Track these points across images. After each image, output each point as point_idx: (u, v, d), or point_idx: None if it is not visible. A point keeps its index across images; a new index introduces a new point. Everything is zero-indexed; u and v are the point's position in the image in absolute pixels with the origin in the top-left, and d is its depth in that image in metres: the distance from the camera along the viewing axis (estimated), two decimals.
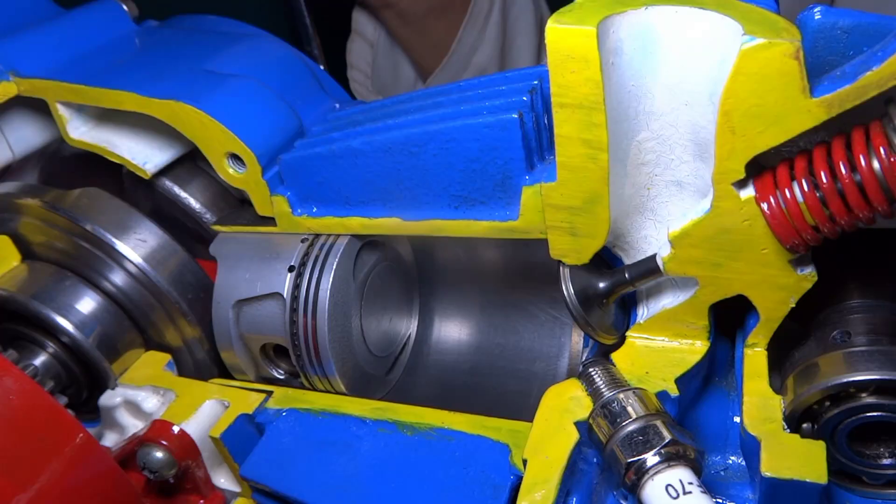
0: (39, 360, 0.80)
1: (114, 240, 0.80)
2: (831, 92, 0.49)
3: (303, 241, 0.78)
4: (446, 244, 0.91)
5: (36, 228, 0.82)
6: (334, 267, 0.75)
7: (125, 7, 0.97)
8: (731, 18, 0.51)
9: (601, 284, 0.66)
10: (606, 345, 0.69)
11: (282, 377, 0.82)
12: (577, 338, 0.85)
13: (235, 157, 0.77)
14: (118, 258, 0.80)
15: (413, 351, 0.91)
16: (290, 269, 0.76)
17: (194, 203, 0.89)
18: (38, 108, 0.88)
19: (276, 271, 0.77)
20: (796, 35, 0.49)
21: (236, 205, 0.91)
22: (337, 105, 0.89)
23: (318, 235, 0.78)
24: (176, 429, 0.72)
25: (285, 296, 0.75)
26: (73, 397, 0.83)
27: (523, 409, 0.69)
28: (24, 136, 0.91)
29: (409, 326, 0.91)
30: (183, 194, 0.88)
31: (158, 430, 0.72)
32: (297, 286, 0.75)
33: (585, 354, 0.76)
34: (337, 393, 0.78)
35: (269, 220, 0.80)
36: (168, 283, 0.80)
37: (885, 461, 0.58)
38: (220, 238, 0.83)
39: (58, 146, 0.96)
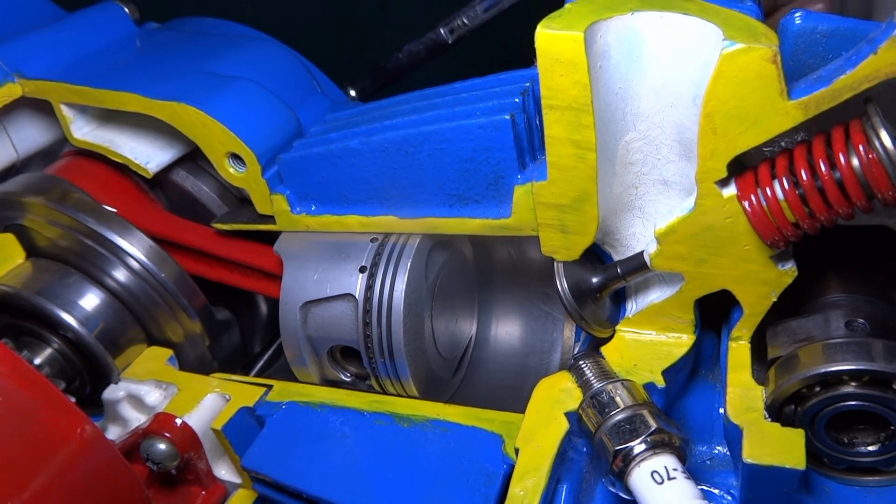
0: (44, 355, 0.82)
1: (117, 237, 0.81)
2: (808, 94, 0.52)
3: (372, 240, 0.76)
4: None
5: (40, 226, 0.84)
6: (409, 267, 0.73)
7: (126, 9, 0.99)
8: (713, 24, 0.54)
9: (594, 280, 0.68)
10: (600, 338, 0.71)
11: (348, 380, 0.80)
12: (569, 333, 0.87)
13: (236, 157, 0.79)
14: (121, 255, 0.82)
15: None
16: (362, 269, 0.74)
17: None
18: (42, 108, 0.90)
19: (347, 272, 0.75)
20: (774, 40, 0.51)
21: (236, 203, 0.93)
22: (334, 106, 0.91)
23: (388, 235, 0.76)
24: (178, 421, 0.74)
25: (357, 297, 0.73)
26: (77, 391, 0.84)
27: (517, 402, 0.71)
28: (28, 136, 0.92)
29: (471, 327, 0.89)
30: None
31: (161, 422, 0.74)
32: (369, 287, 0.73)
33: (577, 349, 0.78)
34: (409, 396, 0.77)
35: (269, 219, 0.81)
36: (170, 279, 0.82)
37: (862, 448, 0.60)
38: (284, 237, 0.81)
39: (59, 147, 0.98)
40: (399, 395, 0.77)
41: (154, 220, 0.87)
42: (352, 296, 0.74)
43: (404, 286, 0.72)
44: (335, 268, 0.75)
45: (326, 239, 0.78)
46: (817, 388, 0.59)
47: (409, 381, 0.75)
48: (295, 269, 0.77)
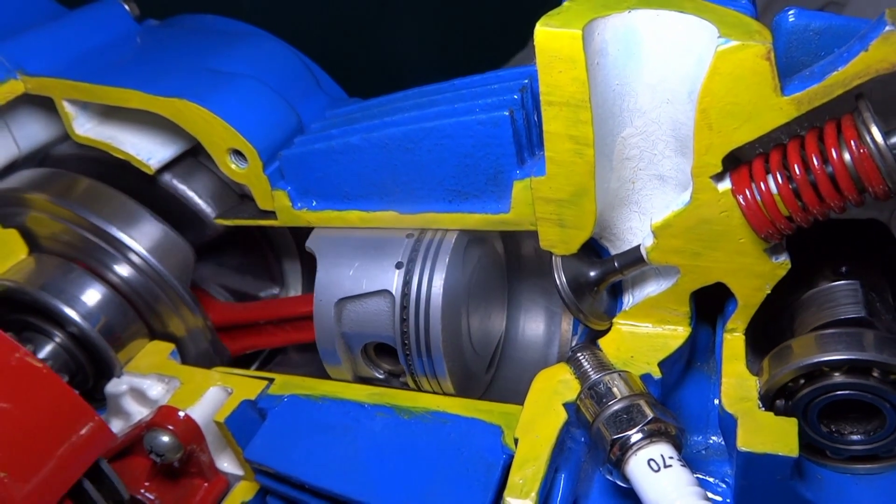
0: (47, 350, 0.82)
1: (119, 232, 0.82)
2: (801, 90, 0.53)
3: (408, 235, 0.75)
4: None
5: (43, 222, 0.85)
6: (447, 263, 0.72)
7: (126, 7, 0.99)
8: (708, 21, 0.55)
9: (591, 273, 0.69)
10: (597, 331, 0.72)
11: (381, 377, 0.79)
12: (566, 326, 0.88)
13: (237, 153, 0.80)
14: (123, 250, 0.82)
15: None
16: (398, 265, 0.73)
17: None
18: (44, 105, 0.90)
19: (383, 268, 0.74)
20: (768, 37, 0.52)
21: (236, 199, 0.93)
22: (334, 102, 0.92)
23: (423, 230, 0.76)
24: (181, 414, 0.75)
25: (394, 293, 0.73)
26: (79, 385, 0.85)
27: (516, 394, 0.72)
28: (30, 133, 0.93)
29: (502, 323, 0.88)
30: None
31: (165, 415, 0.75)
32: (406, 283, 0.72)
33: (575, 341, 0.79)
34: (445, 394, 0.76)
35: (270, 214, 0.82)
36: (172, 274, 0.83)
37: (854, 437, 0.62)
38: (316, 234, 0.80)
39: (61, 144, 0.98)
40: (434, 392, 0.76)
41: (216, 312, 0.90)
42: (388, 292, 0.73)
43: (443, 282, 0.71)
44: (371, 264, 0.74)
45: (360, 235, 0.77)
46: (802, 381, 0.60)
47: (446, 377, 0.74)
48: (329, 265, 0.76)
